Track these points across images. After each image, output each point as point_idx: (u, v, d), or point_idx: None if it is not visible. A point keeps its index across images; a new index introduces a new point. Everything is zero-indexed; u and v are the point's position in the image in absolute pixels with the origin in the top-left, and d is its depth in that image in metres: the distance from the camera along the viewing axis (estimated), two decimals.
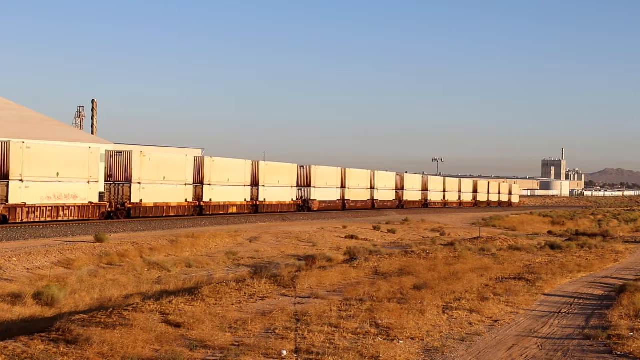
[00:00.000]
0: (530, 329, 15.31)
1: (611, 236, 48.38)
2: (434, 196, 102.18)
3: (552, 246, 36.17)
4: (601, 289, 21.61)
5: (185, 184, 51.77)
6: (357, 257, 28.39)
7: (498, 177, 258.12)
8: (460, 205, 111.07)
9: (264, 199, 61.91)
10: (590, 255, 31.79)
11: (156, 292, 20.61)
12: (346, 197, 76.80)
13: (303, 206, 68.78)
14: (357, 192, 79.45)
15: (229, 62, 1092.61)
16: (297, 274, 21.46)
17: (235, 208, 57.78)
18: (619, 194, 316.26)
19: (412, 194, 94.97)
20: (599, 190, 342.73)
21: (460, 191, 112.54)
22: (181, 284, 23.09)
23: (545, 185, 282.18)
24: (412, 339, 13.64)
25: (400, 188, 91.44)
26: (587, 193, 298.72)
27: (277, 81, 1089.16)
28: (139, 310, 14.81)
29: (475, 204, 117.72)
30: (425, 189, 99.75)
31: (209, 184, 54.39)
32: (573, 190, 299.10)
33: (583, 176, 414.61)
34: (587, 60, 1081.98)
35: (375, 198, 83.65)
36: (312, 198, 69.62)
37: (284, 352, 12.12)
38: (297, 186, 67.95)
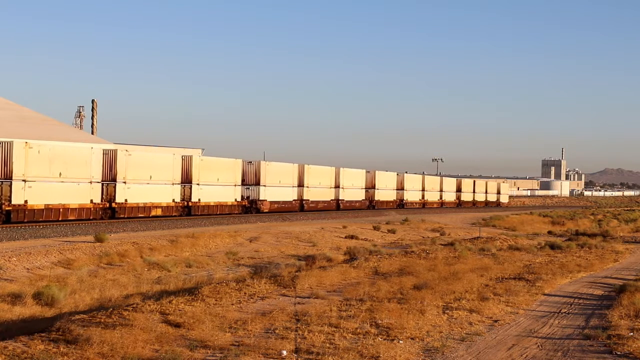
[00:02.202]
0: (530, 329, 15.31)
1: (611, 236, 48.37)
2: (411, 196, 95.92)
3: (552, 246, 36.15)
4: (601, 289, 21.60)
5: (91, 182, 43.75)
6: (357, 257, 28.38)
7: (498, 177, 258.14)
8: (442, 205, 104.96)
9: (199, 199, 54.09)
10: (590, 255, 31.78)
11: (156, 292, 20.60)
12: (305, 197, 69.56)
13: (250, 207, 61.10)
14: (319, 192, 72.34)
15: (229, 62, 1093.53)
16: (297, 274, 21.45)
17: (160, 210, 49.88)
18: (619, 194, 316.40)
19: (385, 193, 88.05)
20: (599, 190, 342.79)
21: (441, 190, 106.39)
22: (181, 284, 23.08)
23: (545, 185, 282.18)
24: (412, 339, 13.63)
25: (371, 187, 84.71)
26: (587, 193, 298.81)
27: (278, 81, 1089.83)
28: (139, 310, 14.81)
29: (459, 204, 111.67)
30: (400, 187, 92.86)
31: (124, 182, 46.40)
32: (573, 190, 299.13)
33: (583, 176, 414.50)
34: (587, 60, 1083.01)
35: (340, 198, 76.68)
36: (261, 198, 61.97)
37: (284, 352, 12.11)
38: (244, 184, 60.81)
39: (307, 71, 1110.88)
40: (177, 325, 13.68)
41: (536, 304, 18.42)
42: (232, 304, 16.18)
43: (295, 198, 68.11)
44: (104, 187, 45.28)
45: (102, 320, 13.74)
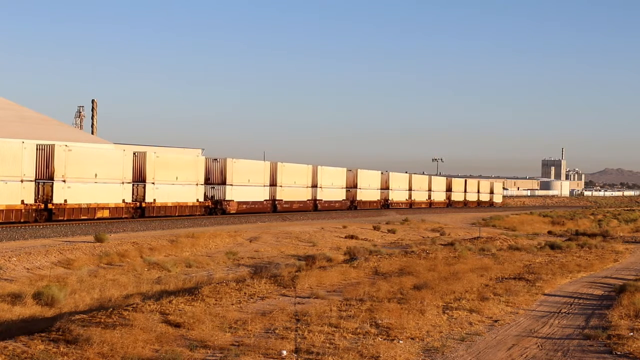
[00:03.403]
0: (530, 329, 15.31)
1: (611, 236, 48.39)
2: (397, 195, 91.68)
3: (552, 246, 36.17)
4: (601, 289, 21.62)
5: (22, 181, 39.31)
6: (357, 257, 28.38)
7: (498, 177, 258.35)
8: (430, 205, 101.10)
9: (154, 200, 49.40)
10: (590, 255, 31.79)
11: (156, 292, 20.60)
12: (278, 197, 65.45)
13: (214, 208, 56.74)
14: (293, 191, 68.07)
15: (229, 62, 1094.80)
16: (297, 274, 21.46)
17: (107, 212, 45.22)
18: (619, 194, 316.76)
19: (368, 193, 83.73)
20: (599, 190, 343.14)
21: (430, 190, 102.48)
22: (181, 284, 23.09)
23: (545, 185, 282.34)
24: (412, 339, 13.64)
25: (352, 186, 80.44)
26: (587, 193, 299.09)
27: (278, 81, 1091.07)
28: (139, 310, 14.81)
29: (449, 204, 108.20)
30: (385, 187, 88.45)
31: (64, 181, 41.92)
32: (573, 190, 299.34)
33: (583, 176, 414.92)
34: (587, 60, 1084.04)
35: (317, 198, 72.31)
36: (227, 198, 57.56)
37: (284, 352, 12.12)
38: (209, 184, 56.78)
39: (307, 71, 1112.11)
40: (177, 325, 13.69)
41: (536, 304, 18.43)
42: (232, 304, 16.18)
43: (267, 198, 64.00)
44: (39, 186, 40.95)
45: (102, 320, 13.74)
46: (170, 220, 48.33)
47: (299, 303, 16.60)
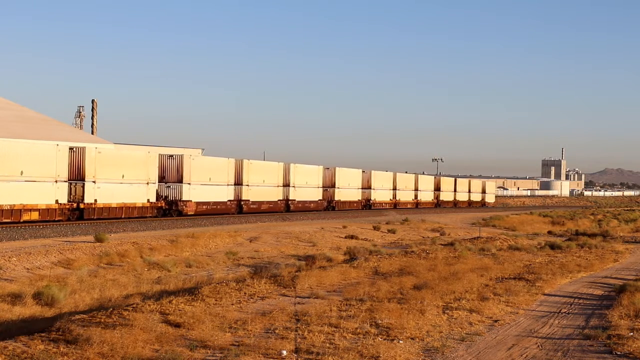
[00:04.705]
0: (530, 329, 15.31)
1: (611, 236, 48.40)
2: (380, 195, 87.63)
3: (552, 246, 36.17)
4: (601, 289, 21.62)
5: None
6: (357, 257, 28.38)
7: (498, 177, 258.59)
8: (417, 206, 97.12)
9: (95, 200, 44.26)
10: (590, 255, 31.79)
11: (156, 292, 20.61)
12: (244, 197, 60.83)
13: (169, 209, 51.73)
14: (262, 191, 63.54)
15: (229, 62, 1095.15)
16: (297, 274, 21.46)
17: (36, 214, 39.93)
18: (619, 194, 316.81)
19: (347, 192, 79.43)
20: (599, 190, 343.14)
21: (417, 189, 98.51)
22: (181, 284, 23.09)
23: (545, 185, 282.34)
24: (412, 339, 13.64)
25: (330, 186, 76.37)
26: (587, 193, 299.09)
27: (278, 81, 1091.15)
28: (139, 310, 14.81)
29: (438, 204, 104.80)
30: (367, 186, 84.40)
31: None
32: (573, 190, 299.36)
33: (583, 176, 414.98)
34: (587, 59, 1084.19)
35: (290, 198, 68.13)
36: (184, 199, 52.52)
37: (284, 352, 12.12)
38: (164, 182, 51.90)
39: (307, 71, 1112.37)
40: (177, 325, 13.69)
41: (536, 304, 18.43)
42: (232, 304, 16.18)
43: (232, 198, 59.21)
44: None
45: (102, 320, 13.74)
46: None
47: (299, 303, 16.60)
